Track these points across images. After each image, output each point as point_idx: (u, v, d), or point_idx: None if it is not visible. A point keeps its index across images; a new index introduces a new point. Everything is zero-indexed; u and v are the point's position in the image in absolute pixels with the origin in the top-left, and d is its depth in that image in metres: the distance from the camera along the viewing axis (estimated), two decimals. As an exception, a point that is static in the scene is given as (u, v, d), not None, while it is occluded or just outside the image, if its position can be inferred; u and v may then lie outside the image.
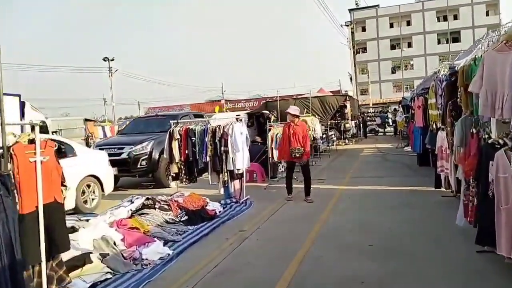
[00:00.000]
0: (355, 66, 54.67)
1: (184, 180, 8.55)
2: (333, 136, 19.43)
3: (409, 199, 7.67)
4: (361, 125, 29.17)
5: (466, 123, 5.06)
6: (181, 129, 8.50)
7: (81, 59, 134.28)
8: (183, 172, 8.48)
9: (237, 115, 19.45)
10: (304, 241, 5.39)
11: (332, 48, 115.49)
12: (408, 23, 57.45)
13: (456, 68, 6.25)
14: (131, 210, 6.54)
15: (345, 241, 5.35)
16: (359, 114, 29.84)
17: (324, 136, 17.07)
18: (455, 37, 54.67)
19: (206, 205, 7.27)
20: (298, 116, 8.32)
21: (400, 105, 22.46)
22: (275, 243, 5.46)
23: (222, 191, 8.55)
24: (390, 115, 32.93)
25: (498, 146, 3.91)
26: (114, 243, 4.87)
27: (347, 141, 23.13)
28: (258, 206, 7.73)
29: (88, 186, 8.16)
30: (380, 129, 33.05)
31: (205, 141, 8.19)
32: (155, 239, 5.41)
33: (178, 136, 8.43)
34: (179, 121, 9.12)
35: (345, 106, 20.31)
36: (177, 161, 8.45)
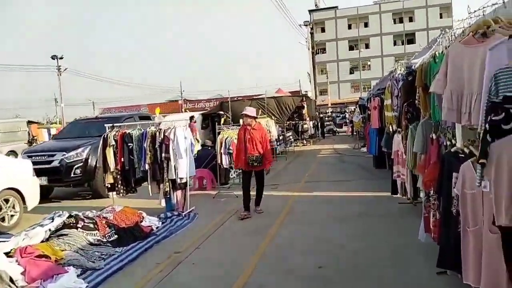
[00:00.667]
0: (314, 67, 54.86)
1: (121, 191, 7.66)
2: (290, 137, 18.95)
3: (364, 207, 7.14)
4: (319, 125, 28.98)
5: (426, 128, 4.51)
6: (116, 134, 7.60)
7: (35, 58, 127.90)
8: (119, 182, 7.59)
9: (190, 116, 18.41)
10: (247, 263, 4.69)
11: (293, 48, 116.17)
12: (366, 25, 58.51)
13: (413, 67, 5.79)
14: (49, 230, 5.59)
15: (292, 263, 4.68)
16: (317, 114, 29.71)
17: (281, 137, 16.54)
18: (410, 38, 56.10)
19: (141, 221, 6.41)
20: (255, 118, 7.45)
21: (357, 105, 22.34)
22: (213, 267, 4.71)
23: (163, 203, 7.70)
24: (347, 115, 33.11)
25: (463, 155, 3.35)
26: (11, 279, 3.95)
27: (305, 141, 22.79)
28: (202, 219, 6.96)
29: (6, 201, 7.05)
30: (336, 129, 33.22)
31: (144, 147, 7.36)
32: (70, 268, 4.51)
33: (113, 142, 7.52)
34: (115, 124, 8.14)
35: (303, 107, 19.96)
36: (112, 170, 7.54)
